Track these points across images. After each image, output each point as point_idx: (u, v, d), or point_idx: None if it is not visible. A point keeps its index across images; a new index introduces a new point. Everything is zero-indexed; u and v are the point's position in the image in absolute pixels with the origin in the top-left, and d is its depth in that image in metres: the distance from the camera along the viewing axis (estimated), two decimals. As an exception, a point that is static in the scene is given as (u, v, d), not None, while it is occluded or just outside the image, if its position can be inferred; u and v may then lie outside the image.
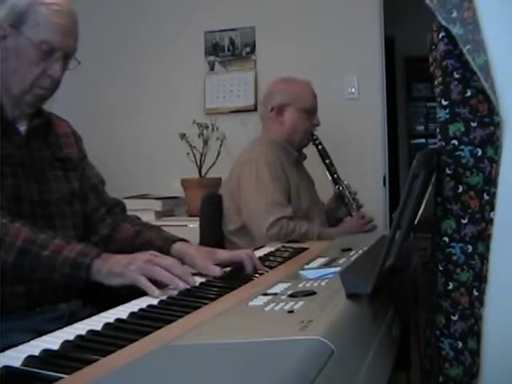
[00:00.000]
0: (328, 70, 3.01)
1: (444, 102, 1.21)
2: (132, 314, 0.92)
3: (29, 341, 0.79)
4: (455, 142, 1.20)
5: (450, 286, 1.21)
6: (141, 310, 0.95)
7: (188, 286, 1.09)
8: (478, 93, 1.16)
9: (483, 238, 1.15)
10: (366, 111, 3.00)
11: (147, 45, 3.35)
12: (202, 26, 3.25)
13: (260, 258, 1.38)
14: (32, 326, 1.20)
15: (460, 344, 1.19)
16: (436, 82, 1.25)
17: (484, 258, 1.10)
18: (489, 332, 0.95)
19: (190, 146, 2.95)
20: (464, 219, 1.19)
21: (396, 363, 1.05)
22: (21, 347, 0.77)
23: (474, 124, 1.18)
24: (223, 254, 1.33)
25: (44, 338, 0.81)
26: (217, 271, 1.23)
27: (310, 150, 2.39)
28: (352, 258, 1.23)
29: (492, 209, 1.06)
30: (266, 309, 0.83)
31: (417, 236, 1.49)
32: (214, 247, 1.42)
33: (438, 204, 1.25)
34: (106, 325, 0.86)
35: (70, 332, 0.82)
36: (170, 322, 0.85)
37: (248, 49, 3.20)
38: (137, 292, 1.08)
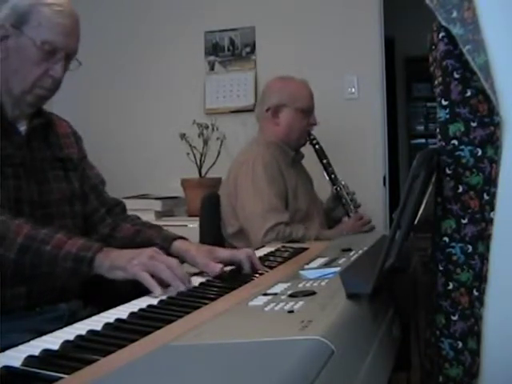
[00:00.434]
0: (328, 70, 3.01)
1: (444, 102, 1.21)
2: (132, 314, 0.92)
3: (29, 341, 0.79)
4: (455, 141, 1.20)
5: (450, 286, 1.21)
6: (141, 310, 0.95)
7: (188, 288, 1.09)
8: (478, 93, 1.16)
9: (483, 237, 1.15)
10: (366, 111, 3.00)
11: (147, 45, 3.34)
12: (202, 26, 3.25)
13: (260, 258, 1.38)
14: (32, 326, 1.20)
15: (460, 344, 1.19)
16: (436, 82, 1.25)
17: (484, 258, 1.10)
18: (489, 332, 0.95)
19: (190, 146, 2.95)
20: (464, 219, 1.19)
21: (396, 363, 1.04)
22: (21, 347, 0.77)
23: (473, 124, 1.18)
24: (223, 253, 1.33)
25: (44, 338, 0.81)
26: (218, 268, 1.22)
27: (308, 150, 2.39)
28: (352, 258, 1.23)
29: (492, 209, 1.06)
30: (266, 309, 0.83)
31: (417, 236, 1.49)
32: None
33: (438, 204, 1.25)
34: (106, 325, 0.86)
35: (70, 332, 0.82)
36: (170, 321, 0.85)
37: (248, 49, 3.20)
38: (137, 292, 1.08)
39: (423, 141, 5.36)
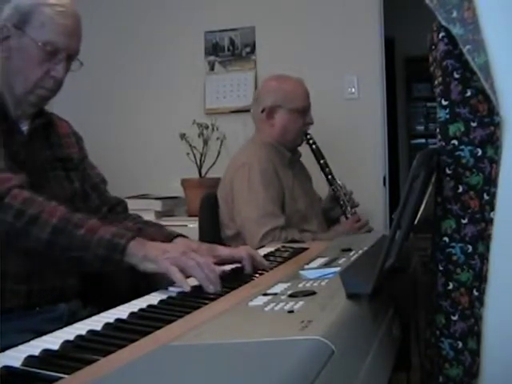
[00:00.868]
0: (328, 70, 3.01)
1: (444, 102, 1.21)
2: (132, 314, 0.92)
3: (29, 341, 0.79)
4: (455, 141, 1.20)
5: (450, 286, 1.21)
6: (141, 310, 0.95)
7: (216, 289, 1.07)
8: (478, 93, 1.16)
9: (483, 237, 1.15)
10: (366, 111, 2.99)
11: (147, 45, 3.34)
12: (202, 26, 3.25)
13: (260, 257, 1.38)
14: (32, 326, 1.21)
15: (460, 344, 1.19)
16: (436, 82, 1.25)
17: (484, 258, 1.10)
18: (489, 332, 0.95)
19: (190, 146, 2.95)
20: (464, 219, 1.19)
21: (396, 363, 1.04)
22: (21, 347, 0.76)
23: (474, 124, 1.18)
24: (224, 251, 1.32)
25: (44, 338, 0.81)
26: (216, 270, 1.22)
27: (306, 149, 2.38)
28: (352, 258, 1.23)
29: (492, 209, 1.06)
30: (266, 309, 0.83)
31: (417, 236, 1.49)
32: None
33: (438, 204, 1.25)
34: (106, 325, 0.86)
35: (70, 332, 0.82)
36: (170, 322, 0.85)
37: (248, 49, 3.20)
38: (137, 292, 1.08)
39: (423, 141, 5.36)
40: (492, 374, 0.96)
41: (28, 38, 1.30)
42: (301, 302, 0.84)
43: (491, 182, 1.11)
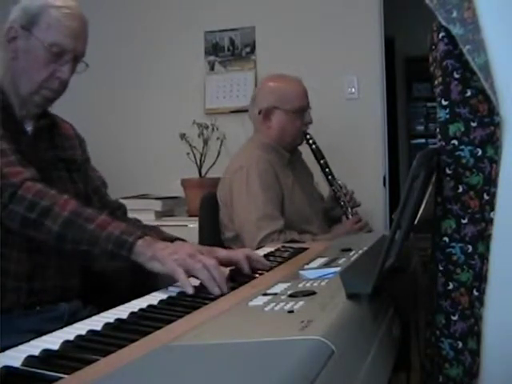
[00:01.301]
0: (328, 69, 3.01)
1: (444, 102, 1.21)
2: (132, 314, 0.92)
3: (29, 341, 0.79)
4: (455, 142, 1.20)
5: (450, 286, 1.21)
6: (141, 310, 0.95)
7: (223, 292, 1.06)
8: (478, 93, 1.16)
9: (483, 237, 1.15)
10: (366, 111, 3.00)
11: (147, 45, 3.35)
12: (202, 26, 3.25)
13: (260, 257, 1.38)
14: (32, 325, 1.21)
15: (460, 344, 1.19)
16: (436, 82, 1.25)
17: (484, 258, 1.10)
18: (489, 332, 0.95)
19: (190, 146, 2.95)
20: (464, 219, 1.19)
21: (396, 363, 1.04)
22: (21, 347, 0.76)
23: (473, 124, 1.18)
24: (222, 253, 1.32)
25: (44, 338, 0.81)
26: (225, 273, 1.22)
27: (306, 149, 2.37)
28: (352, 258, 1.23)
29: (492, 209, 1.06)
30: (266, 309, 0.83)
31: (417, 236, 1.48)
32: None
33: (438, 204, 1.25)
34: (106, 325, 0.86)
35: (70, 332, 0.82)
36: (170, 322, 0.85)
37: (248, 49, 3.20)
38: (137, 292, 1.08)
39: (423, 141, 5.36)
40: (492, 374, 0.96)
41: (35, 39, 1.32)
42: (301, 302, 0.84)
43: (491, 181, 1.11)
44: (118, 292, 1.22)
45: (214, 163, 2.96)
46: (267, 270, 1.26)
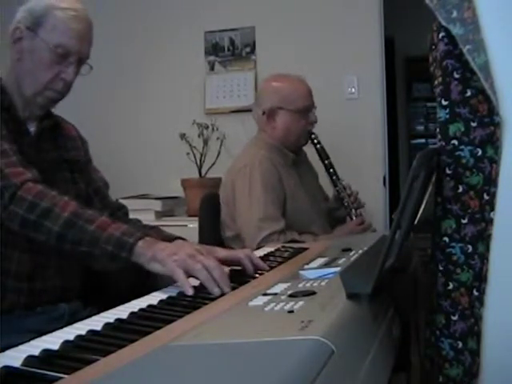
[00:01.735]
0: (328, 69, 3.01)
1: (444, 102, 1.21)
2: (132, 314, 0.92)
3: (29, 341, 0.79)
4: (455, 142, 1.20)
5: (450, 286, 1.21)
6: (141, 310, 0.95)
7: (224, 292, 1.06)
8: (478, 93, 1.16)
9: (483, 238, 1.14)
10: (366, 111, 3.00)
11: (147, 45, 3.35)
12: (202, 26, 3.26)
13: (260, 258, 1.37)
14: (32, 326, 1.21)
15: (460, 344, 1.19)
16: (436, 82, 1.25)
17: (484, 258, 1.10)
18: (489, 332, 0.95)
19: (190, 146, 2.96)
20: (464, 219, 1.19)
21: (396, 363, 1.04)
22: (21, 347, 0.76)
23: (473, 124, 1.18)
24: (222, 252, 1.32)
25: (44, 338, 0.81)
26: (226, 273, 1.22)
27: (310, 149, 2.37)
28: (352, 258, 1.23)
29: (492, 209, 1.06)
30: (266, 309, 0.83)
31: (417, 236, 1.48)
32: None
33: (438, 204, 1.25)
34: (106, 325, 0.86)
35: (70, 332, 0.82)
36: (170, 322, 0.85)
37: (248, 49, 3.20)
38: (137, 292, 1.08)
39: (423, 141, 5.36)
40: (492, 374, 0.96)
41: (40, 41, 1.32)
42: (301, 302, 0.84)
43: (491, 181, 1.11)
44: (118, 292, 1.21)
45: (213, 163, 2.96)
46: (267, 270, 1.26)
